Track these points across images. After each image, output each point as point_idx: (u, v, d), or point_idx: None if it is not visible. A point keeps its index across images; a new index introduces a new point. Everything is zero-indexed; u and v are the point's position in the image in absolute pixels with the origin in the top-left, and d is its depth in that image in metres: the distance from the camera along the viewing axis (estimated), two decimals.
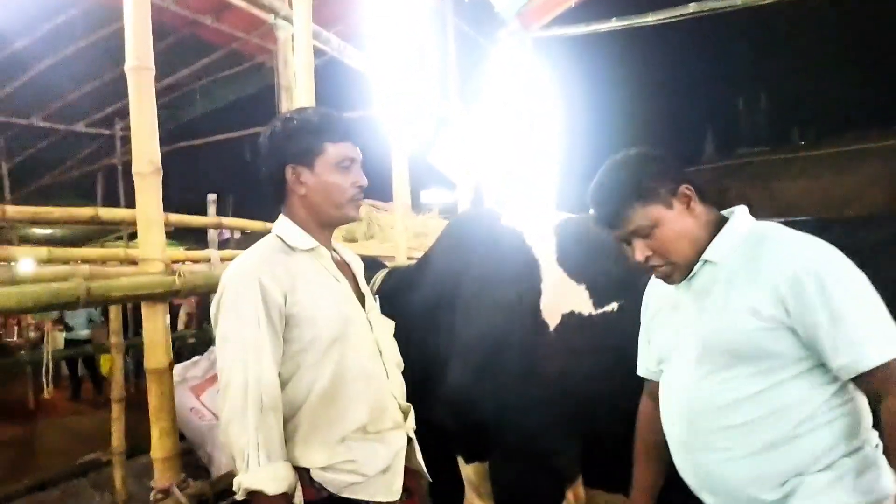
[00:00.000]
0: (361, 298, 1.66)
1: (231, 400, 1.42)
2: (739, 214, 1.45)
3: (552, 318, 1.99)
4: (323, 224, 1.62)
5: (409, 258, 3.66)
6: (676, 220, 1.41)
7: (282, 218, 1.62)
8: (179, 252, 2.91)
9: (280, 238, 1.57)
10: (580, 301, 1.99)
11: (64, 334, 7.92)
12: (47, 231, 8.26)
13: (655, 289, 1.58)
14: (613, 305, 1.95)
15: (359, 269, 1.75)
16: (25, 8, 5.36)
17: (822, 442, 1.29)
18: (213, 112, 8.89)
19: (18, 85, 6.74)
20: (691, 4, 5.64)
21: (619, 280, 1.98)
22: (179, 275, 2.05)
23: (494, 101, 6.82)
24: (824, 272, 1.26)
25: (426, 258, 2.39)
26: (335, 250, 1.69)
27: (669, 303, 1.52)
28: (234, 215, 8.84)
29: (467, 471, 2.17)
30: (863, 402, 1.33)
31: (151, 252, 2.03)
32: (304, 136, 1.55)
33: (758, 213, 1.52)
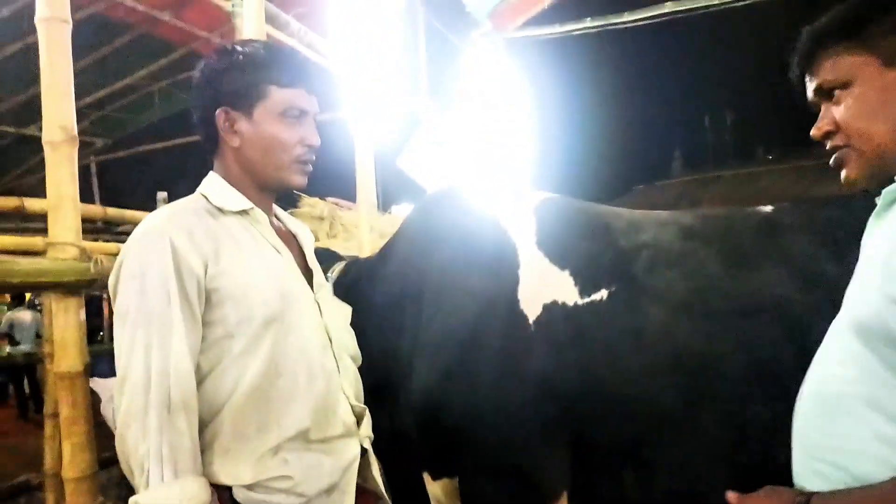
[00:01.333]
0: (309, 276, 1.38)
1: (129, 396, 1.11)
2: None
3: (532, 310, 1.72)
4: (259, 186, 1.32)
5: None
6: (885, 90, 1.00)
7: (210, 174, 1.33)
8: (109, 245, 2.60)
9: (205, 196, 1.28)
10: (564, 290, 1.72)
11: (8, 349, 7.51)
12: None
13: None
14: (602, 294, 1.69)
15: (307, 240, 1.45)
16: None
17: None
18: (175, 116, 8.55)
19: None
20: (667, 4, 5.50)
21: (609, 265, 1.73)
22: (97, 262, 1.75)
23: (467, 103, 6.62)
24: None
25: (389, 245, 2.11)
26: (277, 217, 1.40)
27: (862, 242, 1.11)
28: None
29: (434, 488, 1.88)
30: None
31: (63, 235, 1.72)
32: (243, 73, 1.26)
33: None
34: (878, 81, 1.00)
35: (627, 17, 5.75)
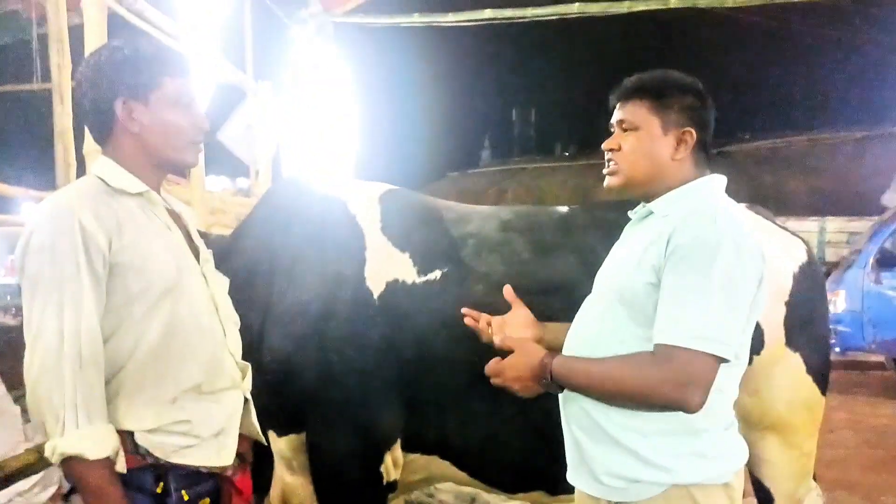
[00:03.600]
0: (195, 251, 1.53)
1: (42, 353, 1.22)
2: (705, 181, 1.43)
3: (376, 286, 2.01)
4: (155, 167, 1.45)
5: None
6: (657, 144, 1.40)
7: (102, 159, 1.42)
8: None
9: (101, 179, 1.38)
10: (404, 269, 2.03)
11: None
12: None
13: None
14: (436, 273, 2.02)
15: (190, 220, 1.60)
16: None
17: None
18: None
19: None
20: (487, 10, 6.02)
21: (442, 249, 2.07)
22: None
23: (292, 81, 6.65)
24: (706, 248, 1.26)
25: (242, 227, 2.26)
26: (164, 198, 1.53)
27: (620, 240, 1.57)
28: None
29: (279, 444, 2.09)
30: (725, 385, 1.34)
31: None
32: (138, 66, 1.37)
33: None
34: (654, 138, 1.41)
35: (452, 17, 6.18)
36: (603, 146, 1.48)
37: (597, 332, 1.43)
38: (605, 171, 1.48)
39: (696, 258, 1.26)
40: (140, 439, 1.31)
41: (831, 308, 6.88)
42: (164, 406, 1.34)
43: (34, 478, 2.66)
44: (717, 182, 1.45)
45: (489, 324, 1.72)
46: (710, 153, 1.48)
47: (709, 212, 1.33)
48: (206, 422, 1.39)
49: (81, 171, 4.06)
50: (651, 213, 1.45)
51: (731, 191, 1.48)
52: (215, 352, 1.44)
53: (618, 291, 1.40)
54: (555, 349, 1.54)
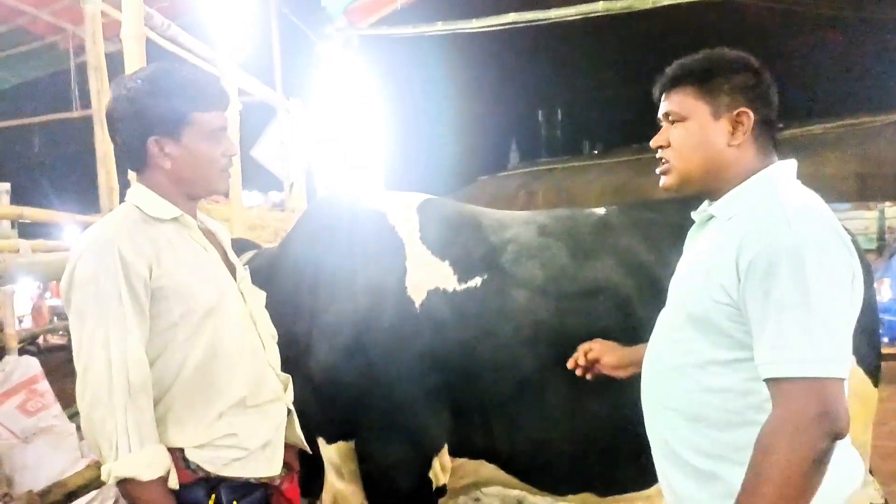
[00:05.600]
0: (231, 269, 1.58)
1: (93, 383, 1.29)
2: (768, 173, 1.27)
3: (418, 295, 2.04)
4: (189, 196, 1.51)
5: None
6: (710, 132, 1.28)
7: (137, 186, 1.48)
8: None
9: (138, 208, 1.44)
10: (444, 277, 2.06)
11: None
12: None
13: None
14: (477, 281, 2.05)
15: (226, 238, 1.65)
16: None
17: (748, 439, 1.16)
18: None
19: None
20: (510, 14, 6.04)
21: (481, 257, 2.09)
22: None
23: (321, 96, 6.76)
24: (787, 257, 1.11)
25: (287, 240, 2.32)
26: (199, 219, 1.59)
27: (686, 246, 1.45)
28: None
29: (329, 451, 2.14)
30: None
31: None
32: (169, 103, 1.41)
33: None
34: (705, 127, 1.29)
35: (475, 23, 6.21)
36: (651, 143, 1.38)
37: (671, 356, 1.34)
38: (658, 170, 1.37)
39: (777, 270, 1.11)
40: (190, 455, 1.37)
41: (879, 297, 6.72)
42: (212, 422, 1.40)
43: (93, 493, 2.76)
44: (782, 170, 1.28)
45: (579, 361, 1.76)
46: (776, 134, 1.33)
47: (778, 212, 1.17)
48: (253, 434, 1.45)
49: (124, 193, 4.19)
50: (713, 216, 1.32)
51: None
52: (256, 366, 1.50)
53: (687, 311, 1.29)
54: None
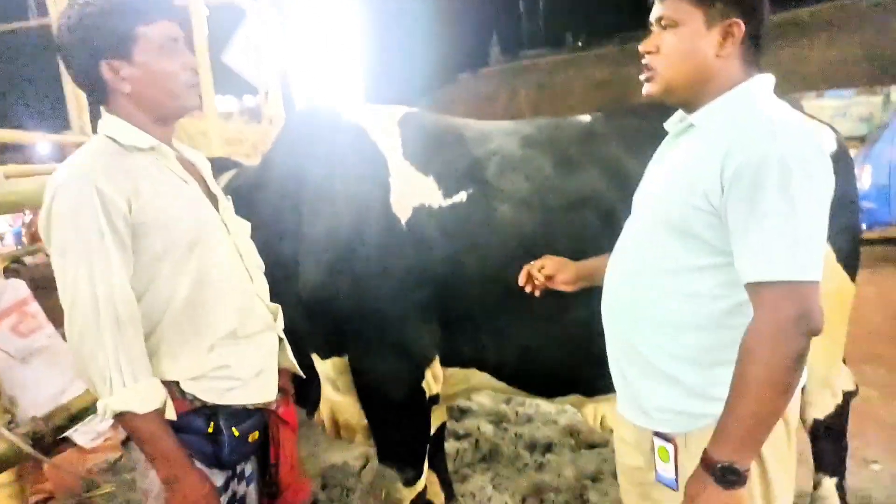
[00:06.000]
0: (213, 200, 1.55)
1: (80, 319, 1.27)
2: (748, 86, 1.29)
3: (403, 212, 2.02)
4: (159, 119, 1.44)
5: None
6: (700, 42, 1.28)
7: (107, 116, 1.41)
8: None
9: (112, 139, 1.38)
10: (429, 193, 2.04)
11: None
12: None
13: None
14: (462, 195, 2.03)
15: (205, 167, 1.61)
16: None
17: (715, 342, 1.28)
18: None
19: None
20: None
21: (465, 170, 2.07)
22: None
23: None
24: (774, 167, 1.14)
25: (267, 158, 2.27)
26: (176, 149, 1.54)
27: (657, 155, 1.47)
28: None
29: (324, 366, 2.20)
30: None
31: None
32: (111, 22, 1.33)
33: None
34: (697, 34, 1.28)
35: None
36: (640, 48, 1.35)
37: (642, 262, 1.37)
38: (641, 76, 1.37)
39: (764, 180, 1.15)
40: (186, 387, 1.39)
41: (858, 184, 6.78)
42: (203, 354, 1.41)
43: (94, 415, 2.84)
44: (762, 84, 1.30)
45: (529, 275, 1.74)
46: (761, 47, 1.32)
47: (764, 124, 1.20)
48: (245, 364, 1.47)
49: (93, 111, 4.05)
50: (692, 125, 1.34)
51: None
52: (244, 298, 1.50)
53: (664, 217, 1.31)
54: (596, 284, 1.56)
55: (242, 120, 5.80)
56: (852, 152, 3.15)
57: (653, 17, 1.35)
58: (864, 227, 6.95)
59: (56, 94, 4.21)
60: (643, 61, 1.36)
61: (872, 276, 6.26)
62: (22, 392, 3.47)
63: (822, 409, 2.19)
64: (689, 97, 1.34)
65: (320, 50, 6.79)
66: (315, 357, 2.20)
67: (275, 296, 1.73)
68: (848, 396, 2.25)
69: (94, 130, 1.46)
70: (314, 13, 6.60)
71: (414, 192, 2.05)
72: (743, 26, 1.27)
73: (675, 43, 1.30)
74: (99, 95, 1.42)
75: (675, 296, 1.32)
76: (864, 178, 7.04)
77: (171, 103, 1.43)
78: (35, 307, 3.98)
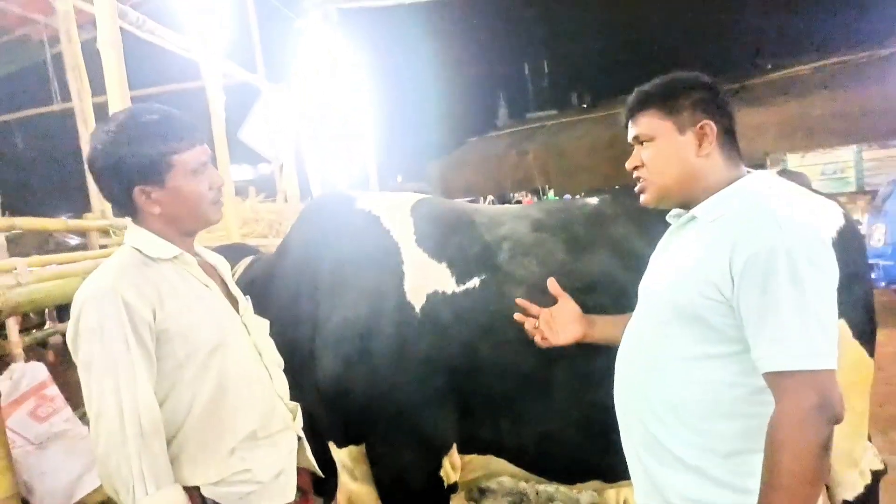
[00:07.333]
0: (233, 302, 1.59)
1: (106, 430, 1.31)
2: (748, 181, 1.36)
3: (417, 299, 2.05)
4: (184, 232, 1.52)
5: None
6: (678, 147, 1.37)
7: (134, 227, 1.49)
8: None
9: (137, 249, 1.45)
10: (443, 280, 2.07)
11: None
12: None
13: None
14: (475, 281, 2.05)
15: (225, 270, 1.66)
16: None
17: (734, 430, 1.30)
18: None
19: None
20: None
21: (477, 256, 2.10)
22: None
23: (303, 74, 6.64)
24: (782, 258, 1.19)
25: (283, 247, 2.32)
26: (197, 253, 1.59)
27: (662, 246, 1.53)
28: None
29: (340, 455, 2.18)
30: None
31: None
32: (147, 152, 1.40)
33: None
34: (673, 143, 1.39)
35: None
36: (626, 166, 1.46)
37: (657, 352, 1.39)
38: (636, 188, 1.47)
39: (775, 271, 1.19)
40: (206, 492, 1.41)
41: (872, 243, 6.74)
42: (225, 458, 1.43)
43: None
44: (762, 179, 1.37)
45: (536, 325, 1.80)
46: (737, 142, 1.43)
47: (768, 217, 1.25)
48: (266, 466, 1.49)
49: None
50: (694, 218, 1.39)
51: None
52: (265, 398, 1.53)
53: (675, 308, 1.35)
54: (608, 343, 1.60)
55: (258, 197, 5.91)
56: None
57: (630, 137, 1.45)
58: (882, 284, 6.86)
59: (78, 176, 4.34)
60: (634, 175, 1.46)
61: (892, 336, 6.16)
62: (40, 480, 3.44)
63: (852, 489, 2.13)
64: (685, 198, 1.42)
65: (333, 123, 6.98)
66: (332, 445, 2.18)
67: (292, 386, 1.74)
68: (877, 475, 2.19)
69: (115, 214, 1.53)
70: (325, 89, 6.81)
71: (428, 279, 2.07)
72: (714, 125, 1.37)
73: (656, 154, 1.40)
74: (128, 213, 1.49)
75: (691, 384, 1.34)
76: (877, 237, 6.99)
77: (197, 220, 1.51)
78: (53, 390, 3.99)
